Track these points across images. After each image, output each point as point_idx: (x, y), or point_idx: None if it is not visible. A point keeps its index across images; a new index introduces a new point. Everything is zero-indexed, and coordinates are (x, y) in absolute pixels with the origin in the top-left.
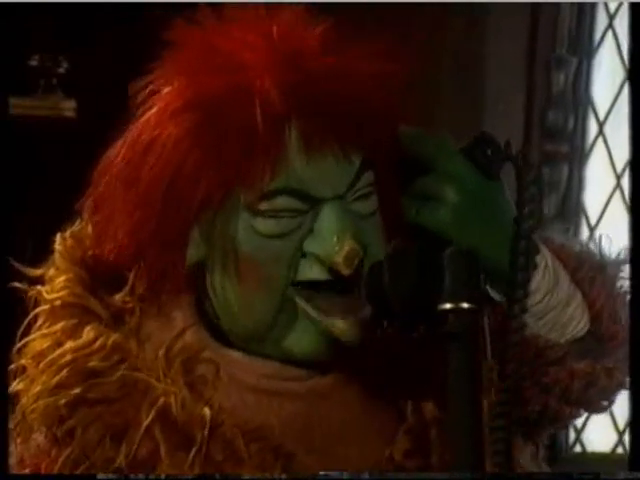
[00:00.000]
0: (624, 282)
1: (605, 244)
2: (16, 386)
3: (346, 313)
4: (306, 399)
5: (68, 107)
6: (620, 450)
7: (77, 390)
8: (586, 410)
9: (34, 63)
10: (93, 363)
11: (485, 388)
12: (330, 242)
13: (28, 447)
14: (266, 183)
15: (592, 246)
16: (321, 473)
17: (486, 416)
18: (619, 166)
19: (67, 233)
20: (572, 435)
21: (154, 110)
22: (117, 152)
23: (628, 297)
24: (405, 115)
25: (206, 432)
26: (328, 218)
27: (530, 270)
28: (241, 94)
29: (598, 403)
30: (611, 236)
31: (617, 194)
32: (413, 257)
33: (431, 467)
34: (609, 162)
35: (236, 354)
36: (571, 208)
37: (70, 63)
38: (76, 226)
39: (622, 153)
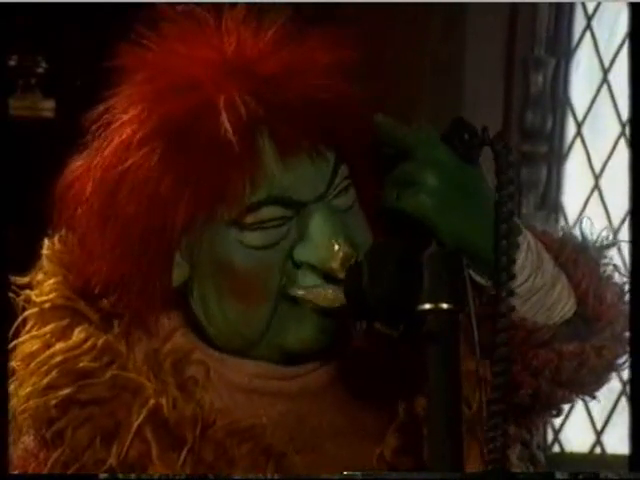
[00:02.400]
0: (607, 264)
1: (586, 227)
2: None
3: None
4: (297, 398)
5: (47, 107)
6: (598, 450)
7: (67, 391)
8: (577, 393)
9: (12, 63)
10: (83, 364)
11: (474, 386)
12: (324, 249)
13: (16, 449)
14: (248, 196)
15: (573, 230)
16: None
17: (478, 414)
18: (597, 166)
19: (55, 238)
20: (550, 435)
21: (117, 141)
22: (82, 186)
23: (613, 278)
24: (368, 100)
25: (198, 432)
26: (318, 224)
27: (513, 253)
28: (205, 111)
29: (589, 385)
30: (592, 220)
31: (595, 194)
32: (392, 257)
33: (422, 466)
34: (587, 162)
35: (226, 356)
36: (549, 208)
37: (49, 63)
38: (64, 232)
39: (600, 154)
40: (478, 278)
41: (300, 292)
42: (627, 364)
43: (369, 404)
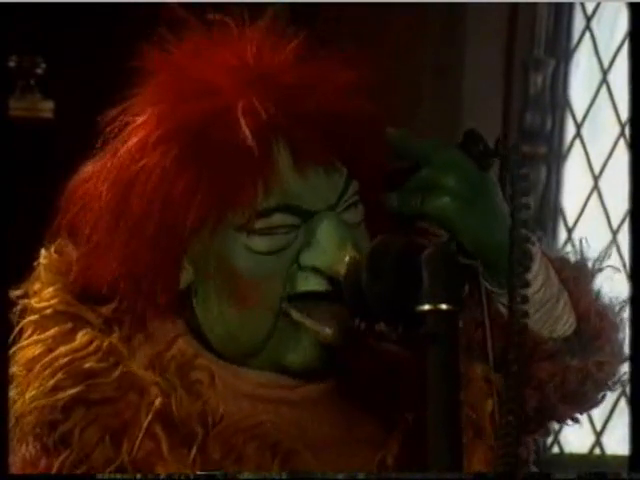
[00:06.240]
0: (604, 281)
1: (584, 246)
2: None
3: (335, 319)
4: (300, 405)
5: (46, 108)
6: (597, 451)
7: (75, 390)
8: (580, 407)
9: (12, 64)
10: (90, 364)
11: (490, 394)
12: (331, 253)
13: (15, 458)
14: (259, 202)
15: (570, 249)
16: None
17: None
18: (597, 167)
19: (51, 248)
20: (550, 436)
21: (134, 141)
22: (94, 184)
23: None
24: (384, 119)
25: (207, 426)
26: (326, 229)
27: (527, 260)
28: (223, 116)
29: (590, 401)
30: (588, 238)
31: (594, 195)
32: (392, 257)
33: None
34: (587, 163)
35: (229, 364)
36: (549, 209)
37: (48, 64)
38: (58, 242)
39: (600, 154)
40: (492, 286)
41: (301, 319)
42: (626, 377)
43: (370, 412)
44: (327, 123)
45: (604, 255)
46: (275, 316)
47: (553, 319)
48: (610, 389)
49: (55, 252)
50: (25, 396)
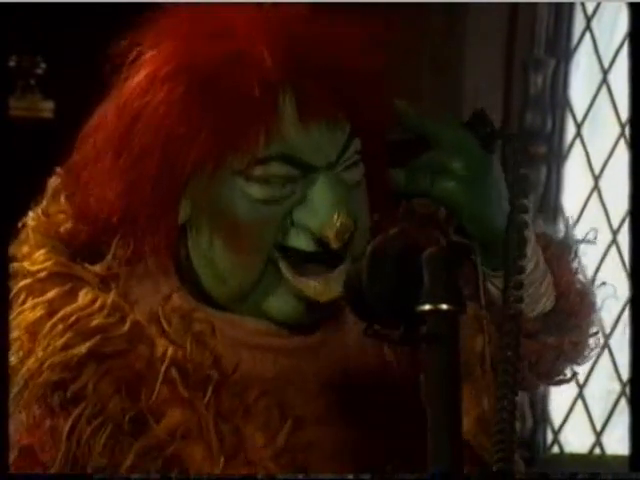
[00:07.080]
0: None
1: (569, 224)
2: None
3: (319, 274)
4: (297, 353)
5: (46, 108)
6: (597, 451)
7: (87, 345)
8: (551, 383)
9: (12, 64)
10: (97, 321)
11: (480, 331)
12: (323, 215)
13: (16, 425)
14: (260, 149)
15: (557, 227)
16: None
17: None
18: (597, 167)
19: (38, 210)
20: (550, 436)
21: (142, 75)
22: (104, 116)
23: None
24: (390, 81)
25: (222, 370)
26: (322, 190)
27: (523, 247)
28: (235, 60)
29: (561, 374)
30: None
31: (595, 195)
32: (392, 257)
33: (413, 415)
34: (587, 163)
35: (224, 314)
36: (549, 209)
37: (48, 64)
38: (44, 204)
39: (600, 154)
40: (485, 268)
41: (288, 275)
42: (595, 351)
43: (361, 363)
44: (336, 77)
45: (588, 236)
46: (264, 262)
47: (537, 298)
48: (578, 364)
49: (42, 214)
50: (36, 356)
